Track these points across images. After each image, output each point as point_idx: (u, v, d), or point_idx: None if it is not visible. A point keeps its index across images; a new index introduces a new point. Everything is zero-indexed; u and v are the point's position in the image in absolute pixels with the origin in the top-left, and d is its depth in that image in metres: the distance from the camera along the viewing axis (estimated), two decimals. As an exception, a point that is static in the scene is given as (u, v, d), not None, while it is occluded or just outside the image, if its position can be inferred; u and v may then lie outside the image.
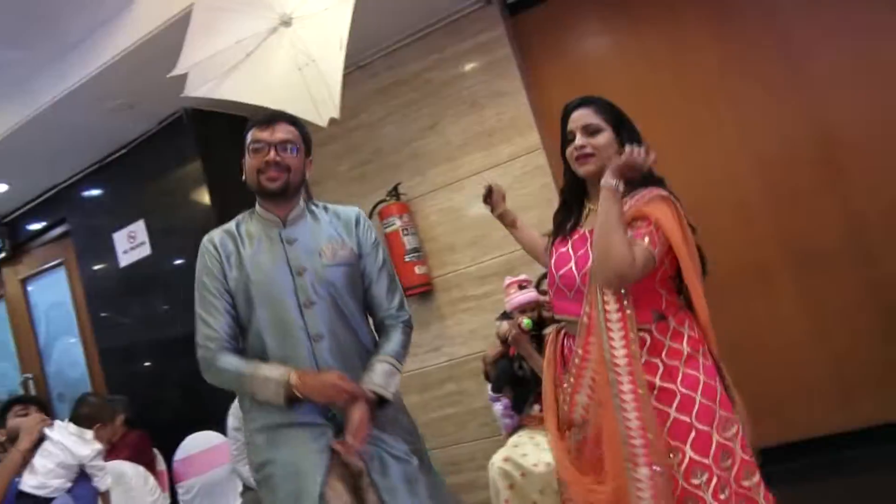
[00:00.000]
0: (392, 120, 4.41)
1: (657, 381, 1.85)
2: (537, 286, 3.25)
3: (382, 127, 4.43)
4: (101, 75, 3.84)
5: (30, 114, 4.12)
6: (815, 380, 3.57)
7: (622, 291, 1.84)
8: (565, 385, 1.99)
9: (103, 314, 5.02)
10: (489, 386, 3.38)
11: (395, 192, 4.27)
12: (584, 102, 2.04)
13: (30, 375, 5.59)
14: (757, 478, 1.84)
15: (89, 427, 3.30)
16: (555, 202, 2.22)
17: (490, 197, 2.40)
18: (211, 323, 2.08)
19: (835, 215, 3.55)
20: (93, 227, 5.03)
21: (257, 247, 2.14)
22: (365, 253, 2.21)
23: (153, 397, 4.62)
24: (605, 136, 1.97)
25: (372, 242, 2.24)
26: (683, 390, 1.84)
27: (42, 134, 4.31)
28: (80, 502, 3.04)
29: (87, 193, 5.10)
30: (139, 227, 4.77)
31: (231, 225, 2.22)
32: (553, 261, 2.07)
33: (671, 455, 1.80)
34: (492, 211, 2.44)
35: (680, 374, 1.85)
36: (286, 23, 2.85)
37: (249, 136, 2.15)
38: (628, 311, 1.83)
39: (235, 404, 3.20)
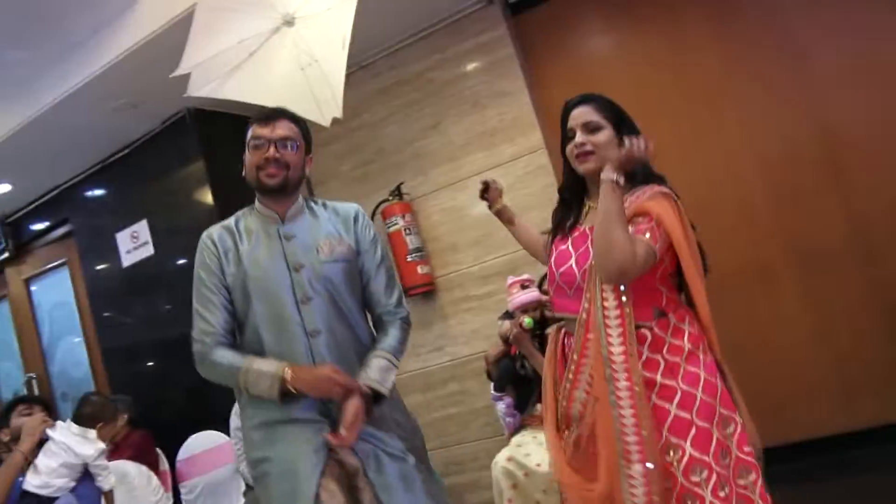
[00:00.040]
0: (394, 120, 4.41)
1: (658, 378, 1.85)
2: (539, 286, 3.25)
3: (385, 127, 4.44)
4: (105, 75, 3.84)
5: (33, 114, 4.12)
6: (818, 380, 3.57)
7: (621, 289, 1.84)
8: (564, 381, 2.00)
9: (106, 314, 5.02)
10: (492, 385, 3.38)
11: (397, 192, 4.28)
12: (584, 100, 2.03)
13: (33, 375, 5.60)
14: (753, 476, 1.83)
15: (92, 426, 3.30)
16: (557, 202, 2.22)
17: (487, 192, 2.41)
18: (207, 318, 2.09)
19: (837, 215, 3.55)
20: (96, 227, 5.04)
21: (255, 243, 2.15)
22: (363, 249, 2.22)
23: (156, 397, 4.62)
24: (606, 134, 1.96)
25: (370, 239, 2.24)
26: (684, 387, 1.83)
27: (45, 134, 4.32)
28: (83, 502, 3.05)
29: (90, 193, 5.11)
30: (142, 227, 4.77)
31: (230, 221, 2.23)
32: (553, 258, 2.07)
33: (671, 452, 1.80)
34: (489, 207, 2.44)
35: (681, 371, 1.85)
36: (289, 22, 2.86)
37: (250, 133, 2.16)
38: (627, 309, 1.83)
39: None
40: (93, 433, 3.23)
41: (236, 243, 2.15)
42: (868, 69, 3.51)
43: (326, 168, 4.56)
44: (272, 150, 2.11)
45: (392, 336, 2.17)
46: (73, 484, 3.05)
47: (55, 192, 5.25)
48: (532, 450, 2.91)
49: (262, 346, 2.07)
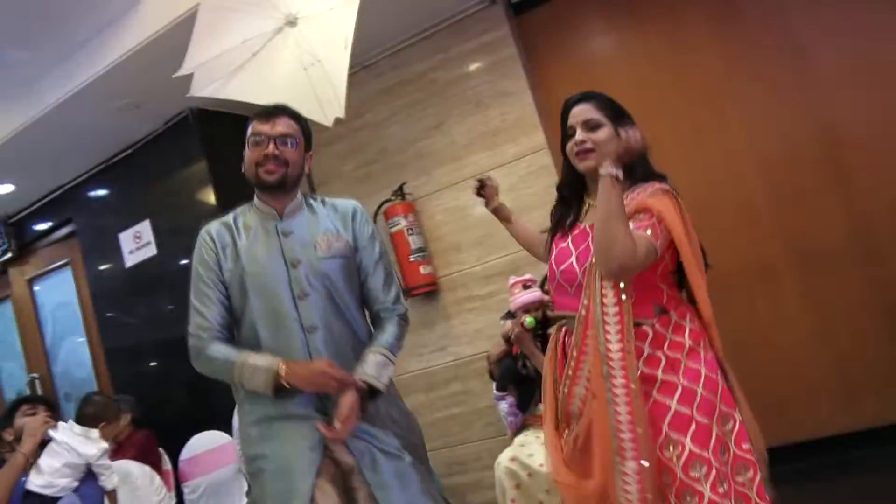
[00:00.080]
0: (397, 120, 4.41)
1: (659, 374, 1.85)
2: (542, 286, 3.25)
3: (387, 127, 4.44)
4: (108, 75, 3.85)
5: (36, 114, 4.13)
6: (819, 380, 3.57)
7: (621, 286, 1.84)
8: (564, 378, 2.00)
9: (109, 314, 5.03)
10: (494, 385, 3.38)
11: (400, 192, 4.28)
12: (584, 98, 2.04)
13: (36, 375, 5.61)
14: (751, 474, 1.83)
15: (94, 426, 3.31)
16: (560, 202, 2.22)
17: (483, 189, 2.41)
18: (204, 312, 2.10)
19: (839, 215, 3.55)
20: (99, 228, 5.05)
21: (253, 239, 2.15)
22: (361, 246, 2.22)
23: (159, 397, 4.63)
24: (606, 132, 1.97)
25: (368, 236, 2.24)
26: (685, 383, 1.84)
27: (48, 134, 4.33)
28: (86, 501, 3.05)
29: (93, 193, 5.12)
30: (145, 228, 4.78)
31: (229, 217, 2.24)
32: (553, 256, 2.08)
33: (671, 448, 1.80)
34: (486, 205, 2.44)
35: (682, 367, 1.86)
36: (292, 23, 2.86)
37: (250, 129, 2.17)
38: (626, 306, 1.83)
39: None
40: (95, 433, 3.24)
41: (234, 239, 2.16)
42: (869, 69, 3.51)
43: (329, 168, 4.57)
44: (271, 146, 2.12)
45: (389, 332, 2.18)
46: (76, 484, 3.06)
47: (58, 193, 5.26)
48: (535, 450, 2.91)
49: (259, 342, 2.07)
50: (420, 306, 4.25)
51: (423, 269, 4.17)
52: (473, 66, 4.19)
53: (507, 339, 3.16)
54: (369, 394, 2.04)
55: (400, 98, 4.40)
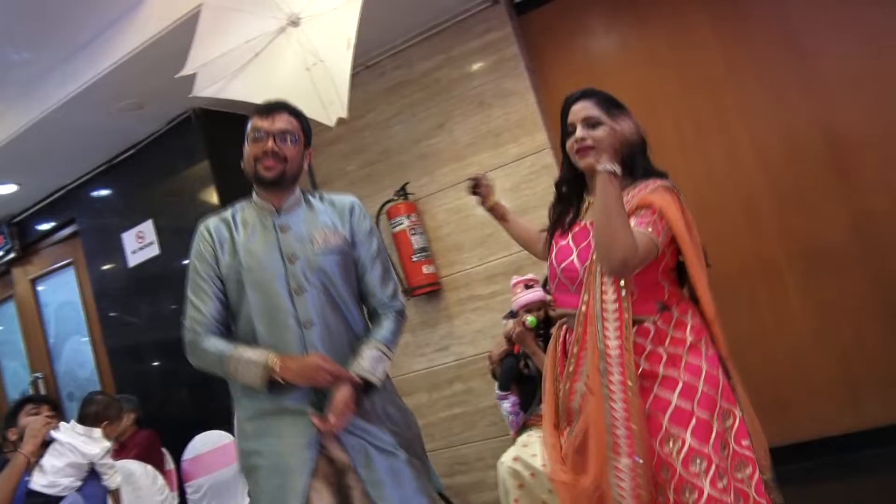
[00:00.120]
0: (400, 119, 4.41)
1: (660, 370, 1.86)
2: (544, 286, 3.26)
3: (390, 126, 4.44)
4: (110, 76, 3.85)
5: (39, 114, 4.14)
6: (822, 379, 3.56)
7: (621, 283, 1.84)
8: (565, 374, 2.00)
9: (112, 314, 5.04)
10: (496, 385, 3.38)
11: (402, 192, 4.28)
12: (584, 95, 2.04)
13: (39, 375, 5.62)
14: (749, 471, 1.83)
15: (96, 425, 3.32)
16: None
17: (478, 188, 2.40)
18: (199, 306, 2.10)
19: (841, 214, 3.54)
20: (102, 227, 5.06)
21: (251, 234, 2.16)
22: (358, 241, 2.22)
23: (162, 397, 4.64)
24: (606, 129, 1.96)
25: (366, 231, 2.24)
26: (686, 378, 1.84)
27: (51, 134, 4.34)
28: (89, 501, 3.06)
29: (95, 194, 5.12)
30: (148, 227, 4.79)
31: (227, 212, 2.24)
32: (554, 254, 2.08)
33: (671, 442, 1.80)
34: (482, 203, 2.44)
35: (683, 362, 1.86)
36: (294, 23, 2.87)
37: (250, 124, 2.17)
38: (626, 303, 1.83)
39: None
40: (98, 432, 3.25)
41: (232, 234, 2.17)
42: (872, 68, 3.50)
43: (332, 168, 4.57)
44: (271, 142, 2.12)
45: (385, 328, 2.18)
46: (79, 483, 3.07)
47: (61, 193, 5.27)
48: (538, 450, 2.90)
49: (256, 337, 2.08)
50: (422, 306, 4.26)
51: (425, 269, 4.17)
52: (476, 66, 4.19)
53: (510, 339, 3.17)
54: (364, 388, 2.04)
55: (402, 98, 4.39)
